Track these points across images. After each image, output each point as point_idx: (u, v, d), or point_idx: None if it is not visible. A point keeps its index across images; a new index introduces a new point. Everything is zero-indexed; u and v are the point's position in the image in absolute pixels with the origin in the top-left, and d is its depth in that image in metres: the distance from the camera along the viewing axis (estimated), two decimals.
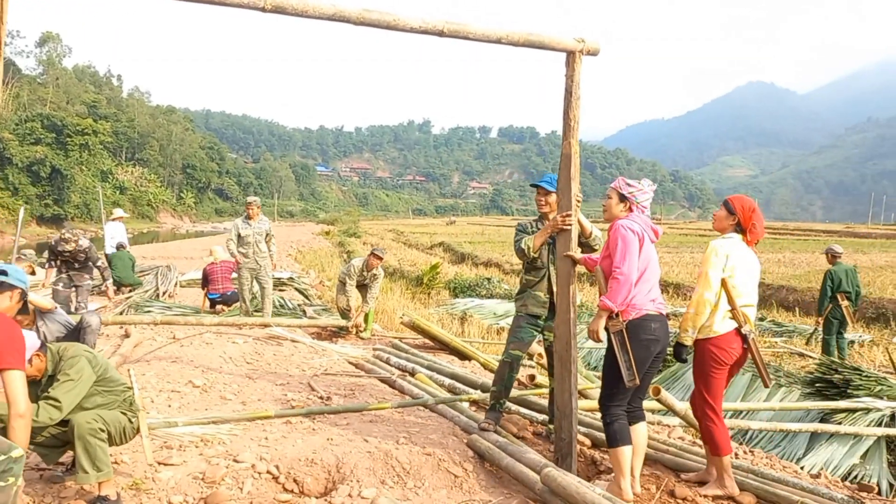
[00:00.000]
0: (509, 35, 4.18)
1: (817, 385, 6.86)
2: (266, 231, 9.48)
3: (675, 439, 5.05)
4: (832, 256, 9.53)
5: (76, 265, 8.21)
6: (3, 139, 49.47)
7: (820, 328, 9.75)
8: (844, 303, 9.24)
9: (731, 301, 3.98)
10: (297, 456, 4.07)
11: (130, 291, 11.94)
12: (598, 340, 3.81)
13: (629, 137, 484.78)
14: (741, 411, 6.80)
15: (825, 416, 6.31)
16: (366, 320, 9.01)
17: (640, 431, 3.89)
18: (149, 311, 9.69)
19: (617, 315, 3.76)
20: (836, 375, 6.69)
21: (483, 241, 36.98)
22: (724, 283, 3.95)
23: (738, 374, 7.95)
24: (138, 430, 3.86)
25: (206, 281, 10.63)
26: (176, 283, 13.14)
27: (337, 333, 8.94)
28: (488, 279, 17.36)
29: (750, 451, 5.03)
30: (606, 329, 3.84)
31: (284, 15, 3.46)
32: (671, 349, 4.25)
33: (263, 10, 3.39)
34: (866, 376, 6.62)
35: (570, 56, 4.39)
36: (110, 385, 3.69)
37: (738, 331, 3.97)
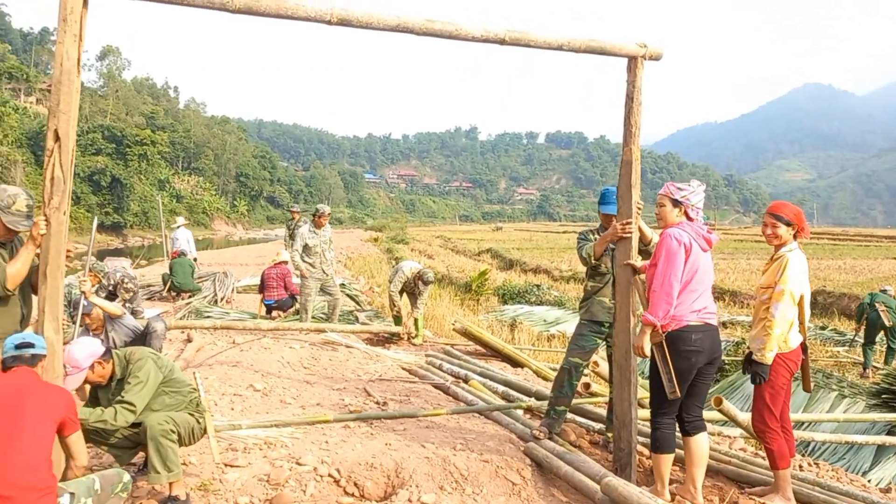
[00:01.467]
0: (571, 42, 4.20)
1: (883, 396, 6.66)
2: (330, 238, 9.33)
3: (736, 450, 4.96)
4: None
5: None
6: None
7: (860, 335, 9.90)
8: (882, 308, 9.43)
9: (801, 316, 3.91)
10: (357, 460, 4.13)
11: (190, 297, 12.25)
12: (644, 356, 3.76)
13: (680, 141, 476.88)
14: (803, 422, 6.65)
15: (893, 429, 6.12)
16: (416, 326, 9.08)
17: (699, 442, 3.83)
18: (208, 316, 9.94)
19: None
20: None
21: (531, 247, 36.84)
22: (800, 300, 3.90)
23: (799, 384, 7.80)
24: (205, 431, 3.98)
25: (262, 286, 10.85)
26: (233, 289, 13.43)
27: (389, 339, 9.03)
28: (538, 286, 17.30)
29: (815, 464, 4.91)
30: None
31: (349, 27, 3.55)
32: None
33: (329, 23, 3.48)
34: None
35: (632, 61, 4.38)
36: (177, 386, 3.82)
37: (802, 343, 3.91)
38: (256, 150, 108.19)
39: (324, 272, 9.19)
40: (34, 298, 3.50)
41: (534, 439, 4.57)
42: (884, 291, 10.10)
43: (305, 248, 9.11)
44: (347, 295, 13.58)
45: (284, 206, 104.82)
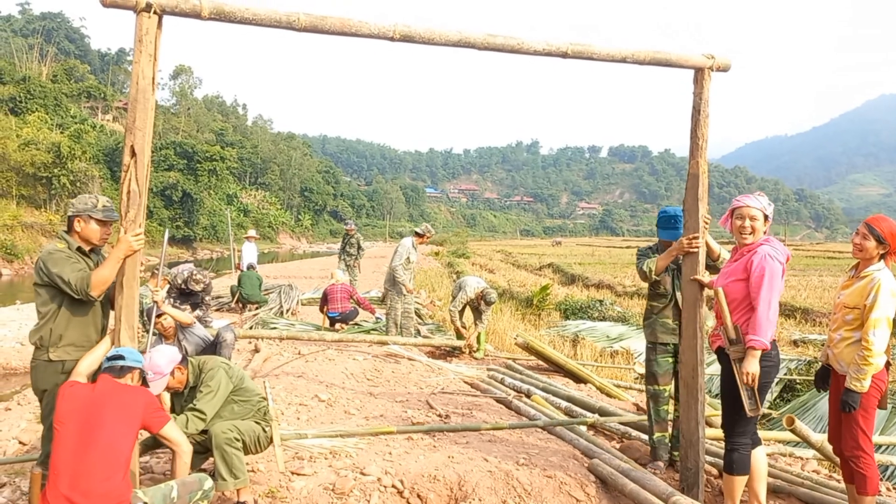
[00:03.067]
0: (635, 54, 4.17)
1: None
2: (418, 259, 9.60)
3: (808, 472, 4.78)
4: None
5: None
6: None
7: None
8: None
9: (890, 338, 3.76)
10: (420, 472, 4.16)
11: (257, 309, 12.57)
12: (757, 385, 3.61)
13: (749, 155, 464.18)
14: (881, 445, 6.35)
15: None
16: (478, 340, 9.07)
17: (758, 457, 3.75)
18: (274, 328, 10.17)
19: (738, 341, 3.63)
20: None
21: (593, 262, 36.36)
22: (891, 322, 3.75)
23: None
24: (272, 440, 4.07)
25: (324, 301, 11.03)
26: (298, 302, 13.72)
27: (451, 353, 9.05)
28: (600, 301, 17.04)
29: (894, 489, 4.67)
30: (725, 355, 3.72)
31: (412, 43, 3.61)
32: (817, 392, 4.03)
33: (392, 39, 3.55)
34: None
35: (699, 73, 4.32)
36: (246, 395, 3.92)
37: (887, 362, 3.74)
38: (320, 166, 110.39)
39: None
40: (110, 311, 3.66)
41: (594, 452, 4.52)
42: None
43: (407, 261, 9.29)
44: None
45: (347, 220, 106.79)
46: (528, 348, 8.47)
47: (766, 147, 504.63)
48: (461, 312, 9.29)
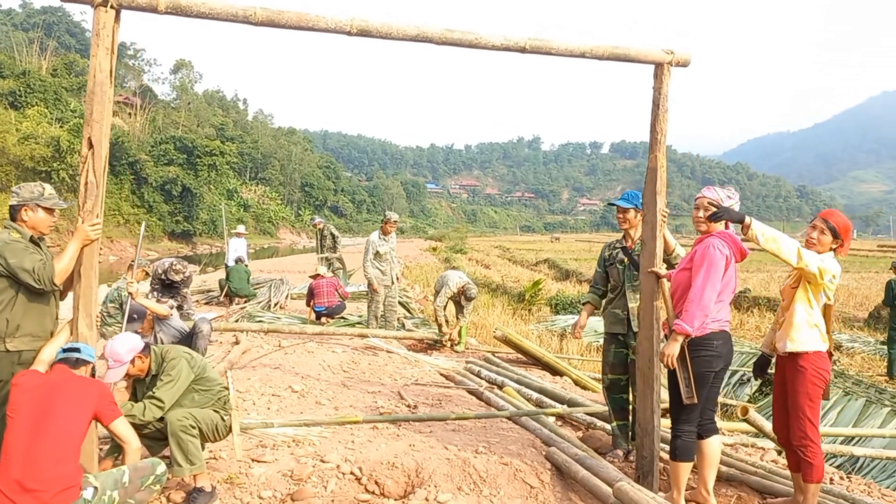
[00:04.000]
0: (593, 49, 4.21)
1: None
2: (395, 245, 9.55)
3: (767, 462, 4.86)
4: None
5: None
6: (140, 160, 53.59)
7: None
8: None
9: (828, 325, 3.84)
10: (380, 459, 4.24)
11: (245, 302, 12.65)
12: (671, 366, 3.72)
13: (750, 151, 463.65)
14: (853, 437, 6.44)
15: None
16: (460, 334, 9.15)
17: (712, 445, 3.81)
18: (260, 321, 10.25)
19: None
20: None
21: (590, 257, 36.39)
22: (828, 308, 3.83)
23: (853, 399, 7.55)
24: (230, 429, 4.14)
25: (311, 295, 11.11)
26: (287, 296, 13.79)
27: (433, 346, 9.13)
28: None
29: (846, 478, 4.75)
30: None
31: (369, 37, 3.67)
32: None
33: (349, 33, 3.61)
34: None
35: (659, 68, 4.37)
36: (207, 384, 4.00)
37: (828, 350, 3.82)
38: (321, 161, 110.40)
39: (392, 279, 9.41)
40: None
41: (553, 441, 4.62)
42: None
43: (377, 255, 9.28)
44: (399, 303, 13.77)
45: (347, 215, 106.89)
46: (508, 341, 8.55)
47: (768, 143, 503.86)
48: (444, 307, 9.37)
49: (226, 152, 64.07)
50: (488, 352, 8.97)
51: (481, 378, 6.95)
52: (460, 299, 9.09)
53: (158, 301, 7.17)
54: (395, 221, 9.61)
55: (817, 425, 3.79)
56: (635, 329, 4.61)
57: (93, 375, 3.47)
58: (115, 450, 3.83)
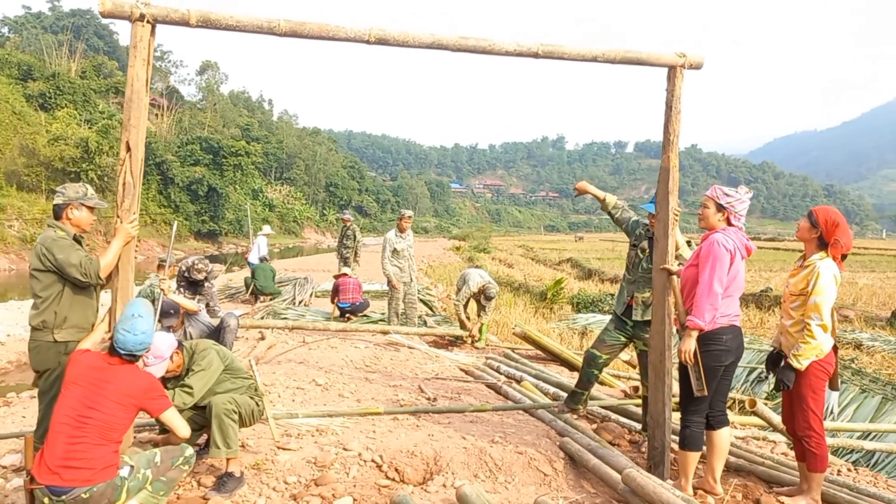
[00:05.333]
0: (605, 53, 4.37)
1: None
2: (412, 243, 9.73)
3: (777, 454, 4.97)
4: None
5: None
6: (167, 161, 54.40)
7: None
8: None
9: (833, 322, 3.94)
10: (400, 448, 4.42)
11: (270, 300, 12.93)
12: (690, 361, 3.84)
13: (777, 150, 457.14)
14: (867, 433, 6.50)
15: None
16: (480, 331, 9.31)
17: (722, 435, 3.95)
18: (284, 318, 10.50)
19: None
20: None
21: (613, 257, 36.34)
22: (832, 309, 3.93)
23: (869, 396, 7.59)
24: (263, 414, 4.37)
25: (335, 293, 11.34)
26: (311, 294, 14.06)
27: (453, 342, 9.31)
28: (612, 295, 17.17)
29: (854, 470, 4.85)
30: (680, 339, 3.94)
31: (387, 45, 3.85)
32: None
33: (368, 42, 3.80)
34: None
35: (672, 71, 4.50)
36: (236, 373, 4.22)
37: (833, 346, 3.93)
38: (345, 161, 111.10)
39: (410, 276, 9.59)
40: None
41: (567, 431, 4.78)
42: None
43: (394, 252, 9.46)
44: (421, 300, 13.97)
45: (372, 215, 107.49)
46: (526, 338, 8.69)
47: (796, 142, 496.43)
48: (465, 305, 9.54)
49: (251, 152, 64.75)
50: (508, 348, 9.12)
51: (500, 373, 7.12)
52: (480, 298, 9.25)
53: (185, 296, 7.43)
54: (410, 217, 9.77)
55: (821, 416, 3.90)
56: (637, 318, 4.77)
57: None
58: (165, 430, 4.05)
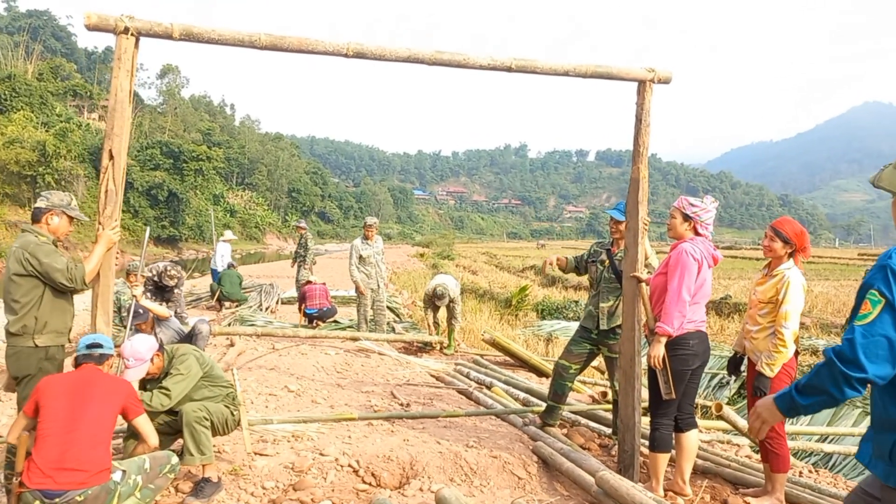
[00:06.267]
0: (577, 68, 4.50)
1: None
2: (382, 250, 9.79)
3: (742, 457, 5.14)
4: None
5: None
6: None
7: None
8: None
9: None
10: (376, 453, 4.48)
11: (237, 306, 12.84)
12: (660, 366, 3.99)
13: (734, 160, 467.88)
14: (826, 436, 6.74)
15: None
16: (449, 337, 9.41)
17: (690, 438, 4.09)
18: (252, 325, 10.45)
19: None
20: None
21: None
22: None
23: None
24: (239, 423, 4.38)
25: (302, 299, 11.32)
26: (277, 300, 13.99)
27: (422, 349, 9.38)
28: (576, 302, 17.45)
29: (815, 471, 5.06)
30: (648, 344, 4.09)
31: (365, 59, 3.94)
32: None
33: (346, 55, 3.88)
34: None
35: (641, 85, 4.66)
36: (215, 381, 4.24)
37: (795, 353, 4.11)
38: (308, 167, 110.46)
39: (378, 283, 9.63)
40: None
41: (540, 436, 4.89)
42: None
43: (360, 259, 9.49)
44: (388, 307, 14.01)
45: (335, 221, 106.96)
46: (495, 344, 8.81)
47: (752, 152, 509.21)
48: (433, 310, 9.65)
49: (212, 157, 64.04)
50: (477, 355, 9.23)
51: (470, 379, 7.21)
52: (434, 301, 9.40)
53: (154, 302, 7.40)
54: (373, 224, 9.80)
55: (783, 420, 4.07)
56: (603, 327, 4.94)
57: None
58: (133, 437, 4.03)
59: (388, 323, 11.24)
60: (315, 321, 11.12)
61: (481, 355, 9.11)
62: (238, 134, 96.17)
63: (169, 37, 3.61)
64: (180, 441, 4.29)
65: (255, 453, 4.45)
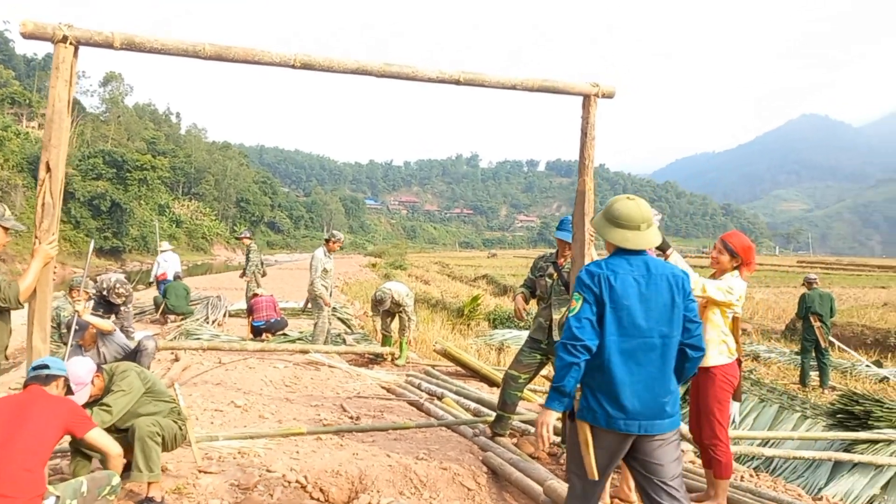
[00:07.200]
0: (524, 82, 4.57)
1: (839, 416, 6.93)
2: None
3: (685, 463, 5.24)
4: (808, 283, 10.86)
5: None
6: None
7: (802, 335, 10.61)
8: (817, 324, 10.20)
9: (736, 335, 4.23)
10: (324, 468, 4.43)
11: (183, 319, 12.56)
12: None
13: (679, 170, 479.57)
14: (766, 440, 6.93)
15: (848, 448, 6.39)
16: (401, 348, 9.38)
17: None
18: (198, 339, 10.23)
19: None
20: (858, 407, 6.77)
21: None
22: (735, 320, 4.21)
23: (768, 405, 8.10)
24: (186, 438, 4.29)
25: (250, 312, 11.15)
26: (225, 313, 13.74)
27: (374, 360, 9.32)
28: (528, 312, 17.56)
29: (755, 475, 5.19)
30: None
31: (312, 70, 3.91)
32: None
33: (293, 67, 3.85)
34: (888, 408, 6.67)
35: (586, 99, 4.76)
36: (158, 396, 4.14)
37: (738, 360, 4.22)
38: (257, 176, 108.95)
39: (330, 295, 9.58)
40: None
41: (489, 446, 4.90)
42: (810, 281, 10.88)
43: (324, 272, 9.39)
44: (339, 318, 13.89)
45: (285, 231, 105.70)
46: (447, 354, 8.81)
47: (696, 163, 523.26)
48: (382, 318, 9.64)
49: (157, 167, 62.60)
50: (428, 365, 9.21)
51: (421, 390, 7.19)
52: (377, 306, 9.40)
53: (101, 317, 7.15)
54: (341, 240, 9.80)
55: (726, 426, 4.18)
56: (555, 338, 4.98)
57: (68, 387, 3.58)
58: (81, 460, 3.89)
59: (338, 335, 11.17)
60: (264, 334, 10.95)
61: (433, 366, 9.09)
62: (184, 143, 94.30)
63: (110, 46, 3.53)
64: (125, 461, 4.18)
65: (200, 471, 4.35)
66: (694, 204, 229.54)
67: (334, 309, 14.79)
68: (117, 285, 6.51)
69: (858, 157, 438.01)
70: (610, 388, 2.82)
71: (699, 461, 5.24)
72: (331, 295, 9.72)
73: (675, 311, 2.94)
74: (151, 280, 13.82)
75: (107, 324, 6.05)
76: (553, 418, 2.93)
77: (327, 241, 9.67)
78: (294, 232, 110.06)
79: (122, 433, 3.97)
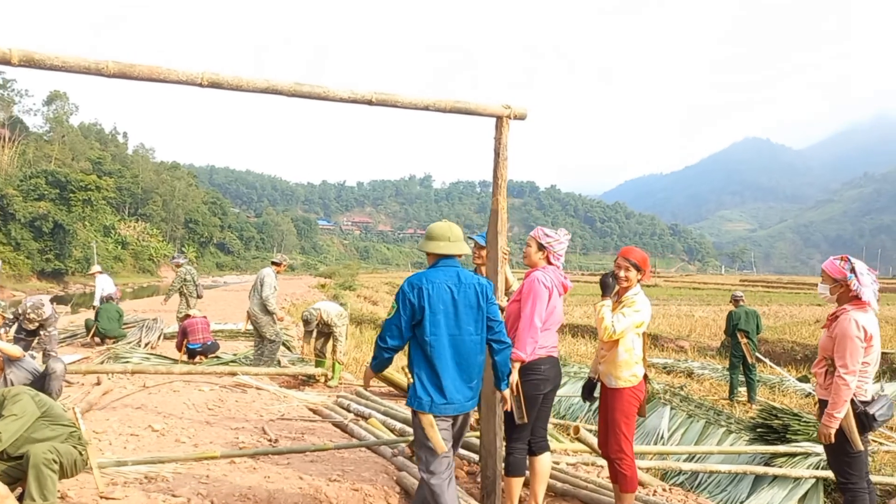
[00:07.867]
0: (437, 103, 4.61)
1: (759, 430, 7.10)
2: None
3: (604, 478, 5.29)
4: (735, 301, 11.17)
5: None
6: (6, 195, 50.20)
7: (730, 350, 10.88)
8: (743, 341, 10.40)
9: (644, 351, 4.32)
10: (232, 492, 4.34)
11: (114, 343, 12.22)
12: (514, 392, 4.07)
13: (627, 191, 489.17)
14: (693, 455, 7.05)
15: (769, 461, 6.55)
16: (333, 369, 9.30)
17: (543, 461, 4.21)
18: (127, 362, 9.95)
19: None
20: (776, 421, 6.94)
21: None
22: (645, 337, 4.30)
23: (695, 421, 8.25)
24: (87, 464, 4.15)
25: (183, 335, 10.88)
26: (160, 336, 13.40)
27: (306, 382, 9.21)
28: None
29: (668, 490, 5.28)
30: None
31: (221, 89, 3.88)
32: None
33: (201, 85, 3.81)
34: (805, 422, 6.87)
35: (499, 121, 4.83)
36: (56, 420, 4.00)
37: (644, 376, 4.30)
38: (207, 197, 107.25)
39: None
40: None
41: (406, 466, 4.88)
42: (736, 298, 11.19)
43: (273, 290, 9.41)
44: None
45: (235, 252, 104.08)
46: (378, 375, 8.75)
47: (644, 184, 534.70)
48: (319, 341, 9.57)
49: (102, 187, 61.23)
50: (361, 386, 9.14)
51: (350, 411, 7.13)
52: (304, 326, 9.60)
53: (24, 340, 6.93)
54: (286, 263, 9.95)
55: (631, 441, 4.25)
56: None
57: None
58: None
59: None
60: (198, 356, 10.73)
61: (366, 387, 9.02)
62: (131, 163, 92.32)
63: (7, 62, 3.44)
64: (19, 489, 4.03)
65: (102, 497, 4.22)
66: (643, 224, 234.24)
67: None
68: (28, 311, 6.30)
69: (799, 179, 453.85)
70: (435, 379, 3.49)
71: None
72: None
73: (480, 314, 3.59)
74: (95, 303, 13.43)
75: (14, 349, 5.84)
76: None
77: (276, 263, 9.80)
78: (244, 253, 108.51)
79: (17, 460, 3.83)
